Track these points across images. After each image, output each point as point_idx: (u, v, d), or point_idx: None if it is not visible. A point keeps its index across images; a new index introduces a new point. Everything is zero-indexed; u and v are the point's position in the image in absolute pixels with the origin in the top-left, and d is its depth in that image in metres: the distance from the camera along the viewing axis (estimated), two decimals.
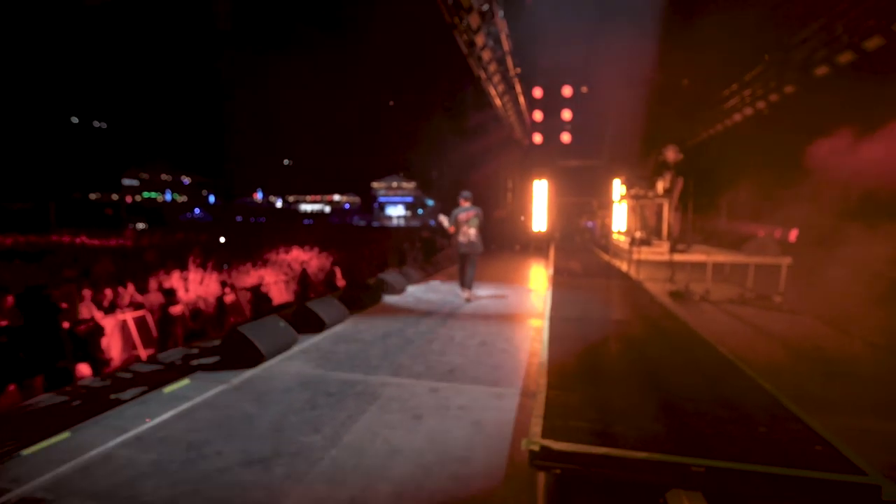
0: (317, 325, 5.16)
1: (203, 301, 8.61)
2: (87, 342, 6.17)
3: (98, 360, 6.35)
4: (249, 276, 10.94)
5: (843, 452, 2.19)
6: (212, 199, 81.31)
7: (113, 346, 6.84)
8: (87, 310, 6.83)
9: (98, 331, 6.38)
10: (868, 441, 2.79)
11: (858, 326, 5.42)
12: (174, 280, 8.85)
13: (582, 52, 13.95)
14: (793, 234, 9.49)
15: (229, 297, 8.87)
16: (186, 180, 79.81)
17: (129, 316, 7.02)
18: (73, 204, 51.73)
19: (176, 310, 7.58)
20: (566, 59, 14.53)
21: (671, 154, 7.29)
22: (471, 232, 6.86)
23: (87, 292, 7.10)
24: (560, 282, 7.38)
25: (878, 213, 7.74)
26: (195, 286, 9.19)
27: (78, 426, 2.95)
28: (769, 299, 6.51)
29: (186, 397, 3.38)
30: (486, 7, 7.43)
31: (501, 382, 3.69)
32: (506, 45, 9.46)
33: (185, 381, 3.69)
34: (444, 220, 6.99)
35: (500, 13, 8.04)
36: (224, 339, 4.31)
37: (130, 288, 8.26)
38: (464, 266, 7.01)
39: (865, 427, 3.03)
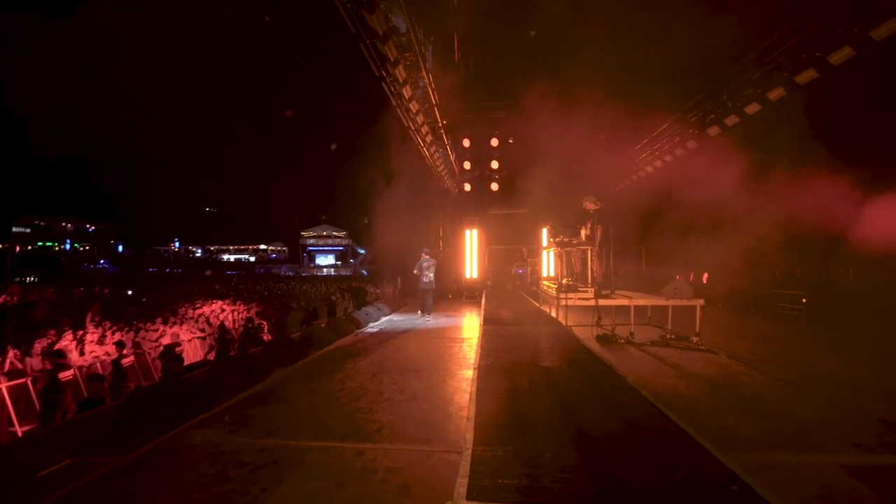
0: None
1: (101, 364, 7.65)
2: None
3: None
4: (160, 334, 9.95)
5: (757, 492, 2.31)
6: (120, 248, 74.80)
7: None
8: None
9: None
10: (781, 476, 2.92)
11: (766, 363, 5.81)
12: (66, 341, 7.82)
13: (508, 105, 14.70)
14: (704, 277, 10.25)
15: (128, 360, 7.94)
16: (90, 227, 72.76)
17: (2, 385, 6.05)
18: None
19: (66, 375, 6.65)
20: (494, 112, 15.25)
21: (590, 204, 7.65)
22: (430, 275, 10.01)
23: None
24: (490, 330, 7.36)
25: (780, 257, 8.58)
26: (92, 347, 8.17)
27: None
28: (687, 339, 6.85)
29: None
30: (412, 61, 7.65)
31: (431, 440, 3.48)
32: (433, 98, 9.76)
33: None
34: (416, 270, 10.06)
35: (428, 66, 8.32)
36: (119, 409, 3.80)
37: (11, 354, 7.16)
38: (424, 298, 10.17)
39: (778, 461, 3.17)
